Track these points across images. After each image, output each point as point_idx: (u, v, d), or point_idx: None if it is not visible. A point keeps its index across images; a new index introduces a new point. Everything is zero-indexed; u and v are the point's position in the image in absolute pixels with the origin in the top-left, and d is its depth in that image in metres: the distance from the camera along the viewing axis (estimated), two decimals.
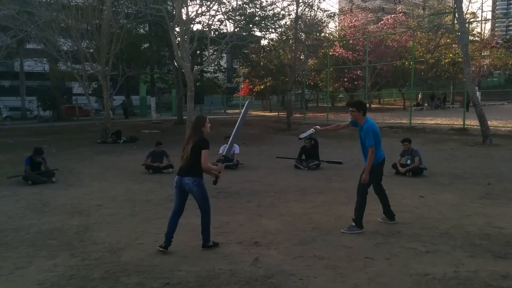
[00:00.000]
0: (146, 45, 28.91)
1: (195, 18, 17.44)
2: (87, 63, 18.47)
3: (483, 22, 44.04)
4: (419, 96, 38.90)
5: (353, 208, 6.19)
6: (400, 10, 41.08)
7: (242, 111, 5.45)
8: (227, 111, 42.50)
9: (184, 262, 4.40)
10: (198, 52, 26.22)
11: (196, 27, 22.26)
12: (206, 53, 23.36)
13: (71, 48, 18.89)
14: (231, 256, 4.54)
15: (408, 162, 9.05)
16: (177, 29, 14.59)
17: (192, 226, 5.64)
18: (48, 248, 4.90)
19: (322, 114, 30.44)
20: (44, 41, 17.86)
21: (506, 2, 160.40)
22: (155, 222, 5.85)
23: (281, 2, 23.37)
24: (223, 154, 4.79)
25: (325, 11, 28.30)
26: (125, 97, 34.77)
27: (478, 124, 14.82)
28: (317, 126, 5.92)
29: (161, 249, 4.64)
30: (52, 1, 17.36)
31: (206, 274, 4.09)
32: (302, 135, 6.01)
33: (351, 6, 35.44)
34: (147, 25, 26.39)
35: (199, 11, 16.98)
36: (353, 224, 5.39)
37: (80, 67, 19.05)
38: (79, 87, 25.32)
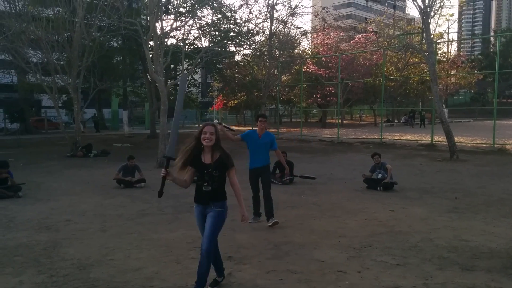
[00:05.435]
0: (119, 58, 28.64)
1: (170, 33, 17.45)
2: (57, 76, 18.10)
3: (449, 42, 45.88)
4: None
5: (326, 222, 6.26)
6: (371, 30, 42.41)
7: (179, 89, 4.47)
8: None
9: (156, 277, 4.32)
10: (172, 66, 26.15)
11: (171, 41, 22.26)
12: (181, 67, 23.32)
13: (40, 60, 18.48)
14: None
15: (379, 176, 9.22)
16: (151, 43, 14.54)
17: (164, 241, 5.56)
18: (14, 264, 4.72)
19: (295, 129, 30.75)
20: (12, 53, 17.40)
21: (471, 24, 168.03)
22: (126, 238, 5.74)
23: (255, 19, 23.73)
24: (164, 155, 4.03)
25: (299, 28, 28.80)
26: (97, 110, 34.20)
27: (446, 140, 15.33)
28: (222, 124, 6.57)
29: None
30: (22, 12, 17.02)
31: None
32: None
33: (324, 25, 36.22)
34: (121, 38, 26.16)
35: (174, 26, 16.98)
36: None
37: (49, 79, 18.60)
38: (48, 100, 24.72)
